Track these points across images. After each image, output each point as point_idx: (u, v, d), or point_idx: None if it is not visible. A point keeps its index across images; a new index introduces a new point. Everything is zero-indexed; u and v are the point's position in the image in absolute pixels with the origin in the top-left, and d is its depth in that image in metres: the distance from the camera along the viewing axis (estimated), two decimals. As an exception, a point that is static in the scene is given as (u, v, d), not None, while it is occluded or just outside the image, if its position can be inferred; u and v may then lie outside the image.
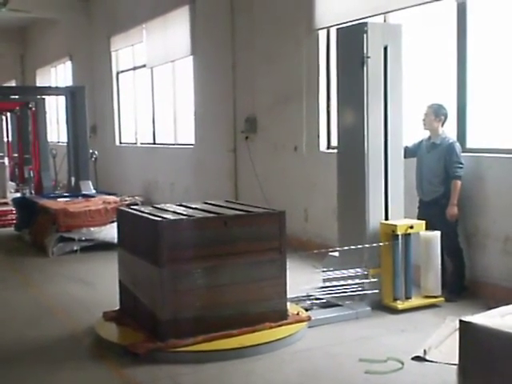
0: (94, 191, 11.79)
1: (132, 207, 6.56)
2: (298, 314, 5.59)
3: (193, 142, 11.99)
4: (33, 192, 12.49)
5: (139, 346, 4.91)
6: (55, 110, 19.90)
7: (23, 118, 13.72)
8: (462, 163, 6.32)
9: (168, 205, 6.13)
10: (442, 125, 6.53)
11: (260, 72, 9.81)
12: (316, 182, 8.73)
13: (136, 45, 14.29)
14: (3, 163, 14.13)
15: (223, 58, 10.64)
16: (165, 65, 13.00)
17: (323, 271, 6.32)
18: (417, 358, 4.77)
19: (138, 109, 14.72)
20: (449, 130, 6.59)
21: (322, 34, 8.64)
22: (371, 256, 6.07)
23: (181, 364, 4.79)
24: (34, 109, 12.61)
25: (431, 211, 6.45)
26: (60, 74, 20.24)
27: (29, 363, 4.98)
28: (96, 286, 7.38)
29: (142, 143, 14.57)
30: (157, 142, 13.84)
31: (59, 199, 10.91)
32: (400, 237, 6.04)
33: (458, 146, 6.40)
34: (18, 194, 13.17)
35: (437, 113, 6.49)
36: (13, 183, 14.66)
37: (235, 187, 10.69)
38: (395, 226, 6.00)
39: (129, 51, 14.89)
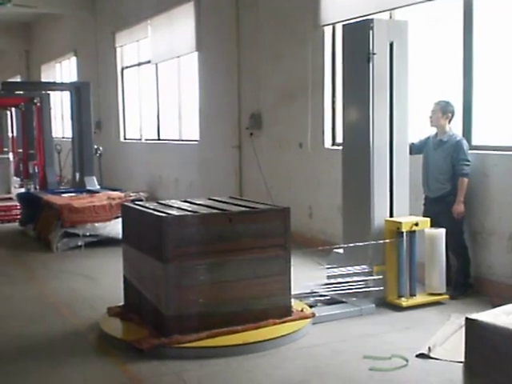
0: (98, 187, 11.80)
1: (136, 203, 6.55)
2: (302, 310, 5.58)
3: (197, 138, 11.99)
4: (37, 187, 12.51)
5: (143, 342, 4.91)
6: (60, 106, 19.93)
7: (28, 113, 13.76)
8: (469, 161, 6.30)
9: (172, 201, 6.12)
10: (449, 122, 6.50)
11: (265, 68, 9.80)
12: (321, 179, 8.72)
13: (141, 40, 14.29)
14: (8, 158, 14.16)
15: (228, 54, 10.63)
16: (170, 61, 12.99)
17: (327, 268, 6.32)
18: (421, 356, 4.76)
19: (142, 105, 14.72)
20: (455, 127, 6.57)
21: (328, 31, 8.62)
22: (376, 253, 6.06)
23: (185, 360, 4.79)
24: (38, 104, 12.61)
25: (437, 208, 6.44)
26: (65, 70, 20.24)
27: (33, 358, 4.98)
28: (100, 281, 7.39)
29: (146, 139, 14.57)
30: (161, 137, 13.84)
31: (64, 195, 10.91)
32: (405, 234, 6.02)
33: (465, 143, 6.37)
34: (23, 190, 13.18)
35: (444, 110, 6.46)
36: (17, 178, 14.69)
37: (239, 183, 10.68)
38: (400, 223, 5.99)
39: (134, 47, 14.88)
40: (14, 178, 14.50)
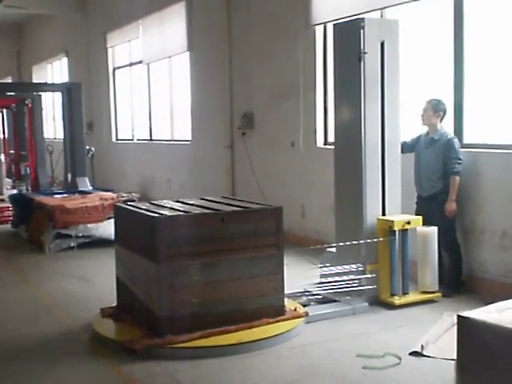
0: (90, 188, 11.78)
1: (129, 203, 6.54)
2: (295, 309, 5.59)
3: (189, 138, 11.98)
4: (29, 189, 12.48)
5: (136, 343, 4.90)
6: (51, 107, 19.86)
7: (19, 114, 13.70)
8: (460, 159, 6.32)
9: (165, 201, 6.11)
10: (441, 120, 6.52)
11: (257, 68, 9.80)
12: (313, 178, 8.72)
13: (132, 41, 14.27)
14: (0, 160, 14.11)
15: (220, 53, 10.62)
16: (161, 61, 12.98)
17: (320, 267, 6.32)
18: (414, 354, 4.78)
19: (134, 105, 14.70)
20: (446, 126, 6.58)
21: (319, 30, 8.63)
22: (368, 252, 6.07)
23: (178, 360, 4.79)
24: (30, 105, 12.58)
25: (430, 207, 6.46)
26: (56, 71, 20.17)
27: (27, 360, 4.96)
28: (93, 282, 7.37)
29: (138, 139, 14.54)
30: (153, 138, 13.82)
31: (56, 196, 10.89)
32: (397, 232, 6.04)
33: (456, 141, 6.39)
34: (15, 191, 13.13)
35: (435, 108, 6.48)
36: (9, 180, 14.63)
37: (232, 183, 10.68)
38: (392, 221, 6.00)
39: (125, 47, 14.85)
40: (6, 179, 14.44)
